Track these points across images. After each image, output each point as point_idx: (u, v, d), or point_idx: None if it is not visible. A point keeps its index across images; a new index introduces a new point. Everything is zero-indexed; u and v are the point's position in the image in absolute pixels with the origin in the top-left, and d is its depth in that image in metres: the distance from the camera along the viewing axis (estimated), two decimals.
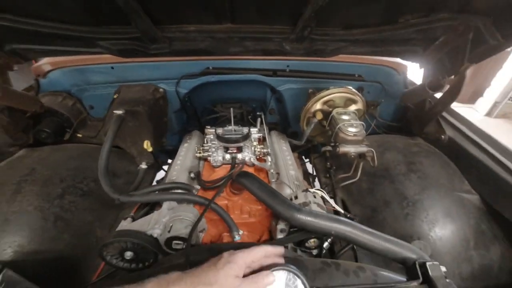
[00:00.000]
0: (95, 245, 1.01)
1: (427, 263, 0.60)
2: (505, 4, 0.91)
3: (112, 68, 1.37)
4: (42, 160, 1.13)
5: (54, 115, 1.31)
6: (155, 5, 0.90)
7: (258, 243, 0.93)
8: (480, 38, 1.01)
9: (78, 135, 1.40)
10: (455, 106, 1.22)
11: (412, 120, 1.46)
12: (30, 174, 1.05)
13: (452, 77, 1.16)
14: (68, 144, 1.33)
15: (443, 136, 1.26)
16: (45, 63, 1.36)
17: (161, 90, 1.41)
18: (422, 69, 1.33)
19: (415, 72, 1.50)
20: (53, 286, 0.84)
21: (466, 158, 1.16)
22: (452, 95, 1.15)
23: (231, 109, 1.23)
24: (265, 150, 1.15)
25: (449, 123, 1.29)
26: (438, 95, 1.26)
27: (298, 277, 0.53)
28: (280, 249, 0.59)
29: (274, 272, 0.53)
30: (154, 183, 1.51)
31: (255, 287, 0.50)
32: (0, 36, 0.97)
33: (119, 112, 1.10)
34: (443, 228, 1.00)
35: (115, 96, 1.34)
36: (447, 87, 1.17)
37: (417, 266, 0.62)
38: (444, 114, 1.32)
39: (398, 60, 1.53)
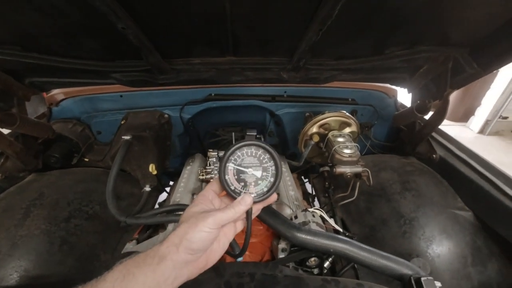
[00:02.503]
0: (99, 268, 1.02)
1: (422, 279, 0.63)
2: (479, 36, 1.03)
3: (121, 96, 1.46)
4: (50, 184, 1.17)
5: (63, 141, 1.37)
6: (165, 42, 1.00)
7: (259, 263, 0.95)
8: (459, 67, 1.12)
9: (85, 159, 1.45)
10: (449, 124, 1.30)
11: (405, 141, 1.54)
12: (39, 198, 1.08)
13: (438, 101, 1.25)
14: (76, 168, 1.38)
15: (434, 156, 1.32)
16: (58, 92, 1.45)
17: (166, 115, 1.50)
18: (410, 94, 1.43)
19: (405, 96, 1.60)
20: None
21: (457, 177, 1.21)
22: (439, 117, 1.23)
23: (233, 133, 1.30)
24: None
25: (439, 143, 1.36)
26: (427, 116, 1.35)
27: (268, 151, 0.56)
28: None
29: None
30: (156, 205, 1.54)
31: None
32: (24, 71, 1.06)
33: (127, 137, 1.16)
34: (440, 245, 1.02)
35: (122, 122, 1.42)
36: (434, 110, 1.26)
37: (413, 281, 0.64)
38: (434, 134, 1.40)
39: (388, 85, 1.65)
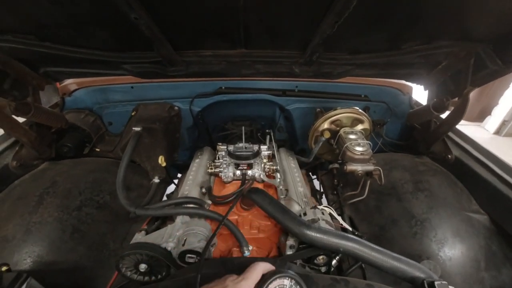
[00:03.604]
0: (108, 257, 1.05)
1: (436, 283, 0.61)
2: (504, 31, 0.97)
3: (132, 87, 1.47)
4: (63, 173, 1.20)
5: (76, 131, 1.39)
6: (177, 34, 0.99)
7: (267, 258, 0.95)
8: (481, 63, 1.06)
9: (96, 149, 1.47)
10: (463, 124, 1.25)
11: (418, 139, 1.49)
12: (52, 186, 1.11)
13: (456, 99, 1.20)
14: (87, 158, 1.40)
15: (449, 156, 1.28)
16: (71, 83, 1.47)
17: (176, 108, 1.50)
18: (427, 91, 1.38)
19: (420, 92, 1.55)
20: None
21: (473, 178, 1.17)
22: (457, 116, 1.18)
23: (243, 127, 1.28)
24: (274, 167, 1.19)
25: (455, 143, 1.32)
26: (444, 115, 1.30)
27: (299, 283, 0.55)
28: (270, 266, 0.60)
29: (277, 280, 0.54)
30: (164, 197, 1.56)
31: None
32: (38, 61, 1.07)
33: (137, 129, 1.17)
34: (452, 248, 0.99)
35: (133, 114, 1.43)
36: (451, 108, 1.21)
37: (426, 285, 0.63)
38: (450, 134, 1.35)
39: (403, 81, 1.59)
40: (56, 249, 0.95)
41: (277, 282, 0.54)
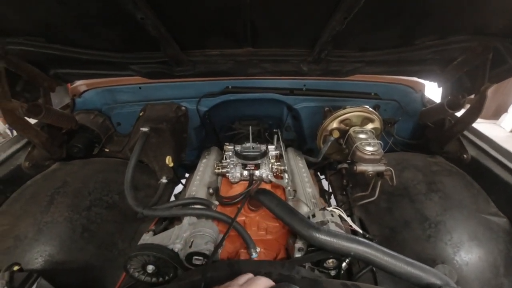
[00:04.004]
0: (117, 256, 1.05)
1: None
2: None
3: (140, 88, 1.48)
4: (73, 173, 1.22)
5: (85, 131, 1.41)
6: (183, 33, 0.98)
7: (274, 260, 0.93)
8: (500, 58, 1.01)
9: (105, 150, 1.49)
10: (478, 122, 1.19)
11: (431, 139, 1.44)
12: (63, 187, 1.13)
13: (472, 96, 1.15)
14: (96, 158, 1.42)
15: (465, 156, 1.23)
16: (81, 84, 1.49)
17: (183, 108, 1.50)
18: (441, 88, 1.33)
19: (433, 90, 1.50)
20: None
21: (491, 179, 1.12)
22: (474, 114, 1.13)
23: (250, 127, 1.27)
24: (282, 167, 1.17)
25: (471, 142, 1.26)
26: (458, 113, 1.25)
27: None
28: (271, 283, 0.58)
29: None
30: (172, 197, 1.57)
31: None
32: (48, 63, 1.09)
33: (145, 129, 1.17)
34: (469, 252, 0.95)
35: (140, 114, 1.44)
36: (467, 106, 1.16)
37: None
38: (466, 132, 1.29)
39: (415, 78, 1.54)
40: (67, 248, 0.97)
41: None
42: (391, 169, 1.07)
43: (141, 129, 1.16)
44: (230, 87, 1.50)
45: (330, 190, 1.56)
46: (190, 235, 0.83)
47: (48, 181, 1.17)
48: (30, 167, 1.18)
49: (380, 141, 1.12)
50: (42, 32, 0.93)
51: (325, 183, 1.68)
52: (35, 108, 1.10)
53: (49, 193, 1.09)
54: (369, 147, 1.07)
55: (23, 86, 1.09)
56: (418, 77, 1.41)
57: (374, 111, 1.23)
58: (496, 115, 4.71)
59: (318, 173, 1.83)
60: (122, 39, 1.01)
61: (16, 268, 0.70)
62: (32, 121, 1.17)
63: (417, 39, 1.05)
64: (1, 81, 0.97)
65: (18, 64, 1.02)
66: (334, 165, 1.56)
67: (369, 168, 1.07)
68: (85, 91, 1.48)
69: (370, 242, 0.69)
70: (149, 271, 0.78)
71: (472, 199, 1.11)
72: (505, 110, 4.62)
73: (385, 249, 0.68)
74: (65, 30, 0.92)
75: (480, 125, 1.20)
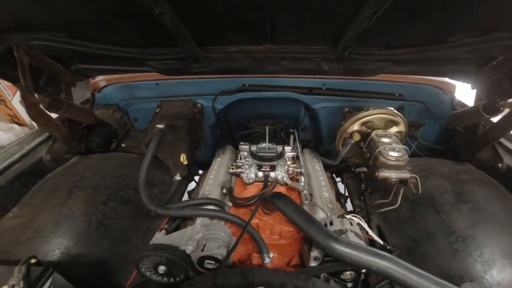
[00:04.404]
0: (130, 251, 1.06)
1: None
2: None
3: (157, 84, 1.48)
4: (91, 167, 1.24)
5: (104, 127, 1.44)
6: (201, 29, 0.96)
7: (289, 270, 0.90)
8: None
9: (122, 145, 1.51)
10: None
11: (461, 144, 1.33)
12: (81, 180, 1.15)
13: None
14: (114, 153, 1.44)
15: (500, 165, 1.13)
16: (100, 79, 1.52)
17: (199, 105, 1.48)
18: (475, 90, 1.22)
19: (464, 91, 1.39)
20: None
21: None
22: None
23: (267, 127, 1.24)
24: (298, 170, 1.13)
25: (508, 150, 1.15)
26: (495, 118, 1.14)
27: None
28: None
29: None
30: (185, 194, 1.57)
31: None
32: (69, 58, 1.11)
33: (161, 126, 1.17)
34: (502, 271, 0.87)
35: (157, 110, 1.44)
36: (506, 110, 1.05)
37: None
38: (501, 139, 1.19)
39: (445, 78, 1.43)
40: (82, 242, 0.98)
41: None
42: (417, 176, 1.00)
43: (157, 126, 1.16)
44: (247, 85, 1.47)
45: (347, 194, 1.50)
46: (203, 238, 0.81)
47: (67, 174, 1.20)
48: (51, 160, 1.22)
49: (405, 146, 1.05)
50: (64, 28, 0.94)
51: (341, 186, 1.61)
52: (56, 103, 1.12)
53: (67, 187, 1.11)
54: (393, 152, 1.01)
55: (45, 80, 1.12)
56: (450, 78, 1.31)
57: (399, 114, 1.15)
58: None
59: (334, 175, 1.77)
60: (140, 35, 1.01)
61: (33, 261, 0.71)
62: (53, 115, 1.20)
63: (452, 36, 0.96)
64: (25, 75, 0.99)
65: (41, 59, 1.05)
66: (351, 167, 1.49)
67: (393, 175, 1.00)
68: (104, 86, 1.51)
69: (393, 257, 0.64)
70: (161, 272, 0.77)
71: (507, 212, 1.01)
72: None
73: (411, 266, 0.62)
74: (85, 25, 0.93)
75: None
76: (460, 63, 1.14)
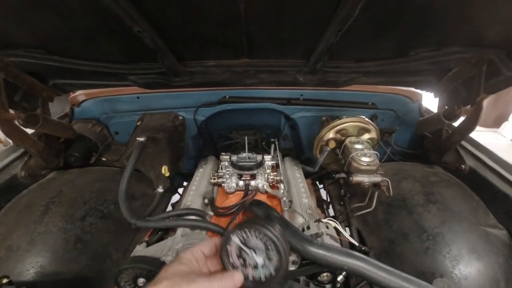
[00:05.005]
0: (110, 267, 1.04)
1: None
2: None
3: (138, 98, 1.49)
4: (69, 182, 1.21)
5: (83, 140, 1.42)
6: (180, 45, 1.00)
7: None
8: (495, 69, 1.02)
9: (103, 158, 1.49)
10: (479, 131, 1.18)
11: (430, 149, 1.43)
12: (58, 196, 1.12)
13: (469, 106, 1.15)
14: (94, 167, 1.42)
15: (463, 166, 1.22)
16: (79, 94, 1.51)
17: (180, 117, 1.50)
18: (437, 98, 1.33)
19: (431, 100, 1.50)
20: None
21: (490, 190, 1.11)
22: (470, 125, 1.13)
23: (245, 137, 1.27)
24: (278, 178, 1.16)
25: (469, 153, 1.25)
26: (457, 123, 1.24)
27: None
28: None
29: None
30: (169, 206, 1.55)
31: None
32: (47, 74, 1.11)
33: (141, 139, 1.18)
34: (468, 266, 0.93)
35: (138, 123, 1.44)
36: (465, 115, 1.16)
37: None
38: (464, 143, 1.29)
39: (412, 88, 1.55)
40: (59, 259, 0.95)
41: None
42: (388, 180, 1.06)
43: (137, 138, 1.16)
44: (227, 97, 1.51)
45: (329, 200, 1.55)
46: (183, 247, 0.82)
47: (44, 190, 1.17)
48: (26, 176, 1.18)
49: (376, 152, 1.11)
50: (42, 44, 0.94)
51: (323, 193, 1.66)
52: (32, 118, 1.11)
53: (43, 203, 1.08)
54: (365, 157, 1.07)
55: (21, 96, 1.10)
56: (415, 88, 1.42)
57: (371, 121, 1.23)
58: (497, 123, 4.69)
59: (317, 182, 1.82)
60: (120, 51, 1.03)
61: (5, 281, 0.69)
62: (29, 130, 1.18)
63: (412, 50, 1.06)
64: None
65: (18, 75, 1.04)
66: (332, 174, 1.55)
67: (365, 179, 1.06)
68: (83, 100, 1.50)
69: (364, 256, 0.68)
70: (140, 284, 0.77)
71: (471, 210, 1.09)
72: (506, 119, 4.61)
73: (379, 264, 0.66)
74: (64, 42, 0.94)
75: (481, 133, 1.19)
76: (422, 74, 1.24)
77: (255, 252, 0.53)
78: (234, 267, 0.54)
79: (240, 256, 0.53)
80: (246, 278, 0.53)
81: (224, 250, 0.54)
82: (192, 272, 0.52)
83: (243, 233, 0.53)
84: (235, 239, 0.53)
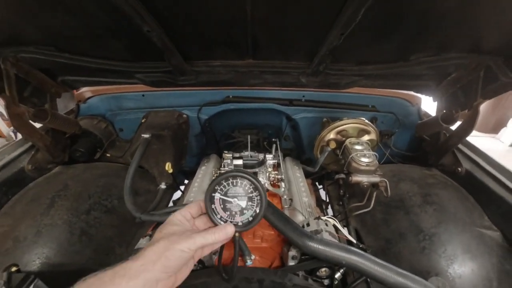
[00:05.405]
0: (114, 261, 1.06)
1: None
2: None
3: (143, 95, 1.52)
4: (75, 177, 1.24)
5: (88, 136, 1.44)
6: (187, 45, 1.03)
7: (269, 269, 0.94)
8: (492, 75, 1.04)
9: (107, 154, 1.52)
10: (478, 136, 1.22)
11: (428, 151, 1.46)
12: (63, 190, 1.15)
13: (466, 111, 1.18)
14: (98, 162, 1.45)
15: (459, 169, 1.24)
16: (86, 90, 1.53)
17: (184, 116, 1.53)
18: (436, 102, 1.36)
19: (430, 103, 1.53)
20: None
21: (485, 193, 1.13)
22: (467, 129, 1.16)
23: (248, 136, 1.30)
24: (279, 176, 1.19)
25: (466, 156, 1.28)
26: (454, 127, 1.27)
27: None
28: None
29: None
30: (171, 203, 1.58)
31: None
32: (57, 70, 1.14)
33: (146, 135, 1.20)
34: (462, 265, 0.96)
35: (143, 121, 1.47)
36: (462, 119, 1.19)
37: None
38: (461, 146, 1.32)
39: (412, 92, 1.58)
40: (64, 251, 0.98)
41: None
42: (386, 180, 1.09)
43: (142, 135, 1.19)
44: (231, 96, 1.54)
45: (328, 200, 1.58)
46: None
47: (50, 184, 1.19)
48: (32, 170, 1.21)
49: (375, 153, 1.14)
50: (53, 41, 0.97)
51: (323, 193, 1.69)
52: (41, 113, 1.13)
53: (49, 196, 1.10)
54: (364, 158, 1.10)
55: (31, 91, 1.13)
56: (415, 91, 1.44)
57: (370, 123, 1.26)
58: (495, 129, 4.73)
59: (317, 183, 1.85)
60: (128, 49, 1.06)
61: (14, 269, 0.72)
62: (37, 125, 1.21)
63: (413, 55, 1.09)
64: (11, 87, 1.01)
65: (29, 71, 1.07)
66: (332, 175, 1.58)
67: (364, 179, 1.09)
68: (90, 97, 1.53)
69: (361, 252, 0.70)
70: None
71: (467, 212, 1.11)
72: (505, 124, 4.64)
73: (376, 259, 0.69)
74: (74, 40, 0.96)
75: (480, 138, 1.22)
76: (422, 79, 1.27)
77: (237, 199, 0.59)
78: (223, 221, 0.59)
79: (225, 208, 0.59)
80: (236, 225, 0.60)
81: (210, 210, 0.59)
82: (186, 230, 0.56)
83: (221, 186, 0.59)
84: (217, 195, 0.59)
